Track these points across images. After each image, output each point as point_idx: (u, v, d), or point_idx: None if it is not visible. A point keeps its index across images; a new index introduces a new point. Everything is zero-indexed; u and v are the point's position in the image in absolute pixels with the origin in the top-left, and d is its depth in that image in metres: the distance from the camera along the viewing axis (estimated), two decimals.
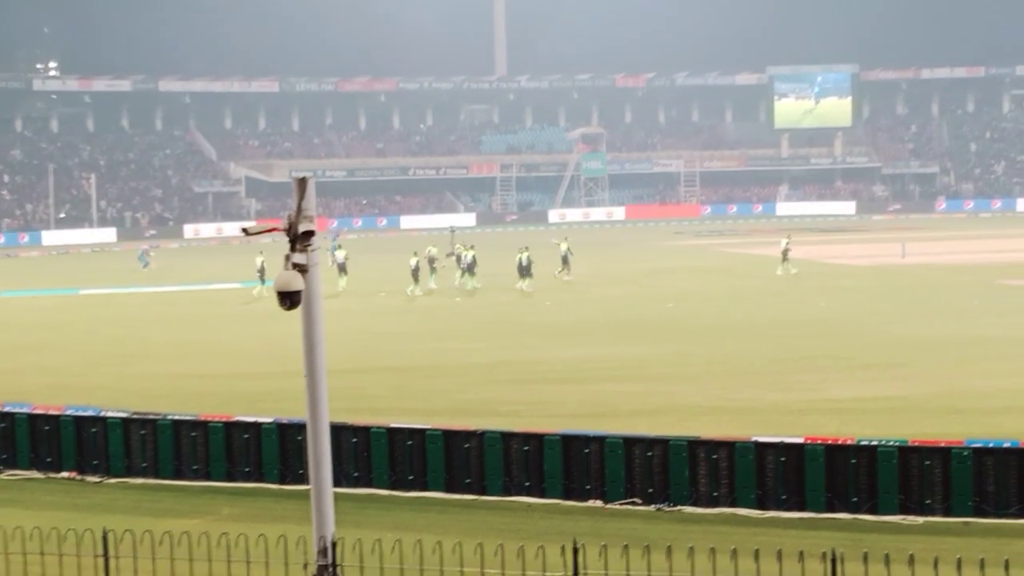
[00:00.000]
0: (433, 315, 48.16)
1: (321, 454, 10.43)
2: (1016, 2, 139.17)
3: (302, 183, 10.13)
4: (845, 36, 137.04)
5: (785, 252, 59.79)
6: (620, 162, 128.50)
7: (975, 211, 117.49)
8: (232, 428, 23.50)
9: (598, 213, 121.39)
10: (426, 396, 30.73)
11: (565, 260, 58.56)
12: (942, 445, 20.28)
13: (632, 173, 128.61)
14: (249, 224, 10.70)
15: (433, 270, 57.98)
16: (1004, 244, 75.37)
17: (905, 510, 19.99)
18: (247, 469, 23.25)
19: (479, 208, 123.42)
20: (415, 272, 54.32)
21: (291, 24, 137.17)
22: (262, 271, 53.77)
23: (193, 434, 23.54)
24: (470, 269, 56.09)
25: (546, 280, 56.89)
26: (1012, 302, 47.29)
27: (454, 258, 60.96)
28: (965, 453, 19.90)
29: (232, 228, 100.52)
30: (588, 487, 21.51)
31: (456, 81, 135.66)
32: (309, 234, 10.06)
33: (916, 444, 20.44)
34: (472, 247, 57.34)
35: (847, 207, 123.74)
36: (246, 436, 23.31)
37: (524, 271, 54.89)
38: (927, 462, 20.00)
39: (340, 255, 58.11)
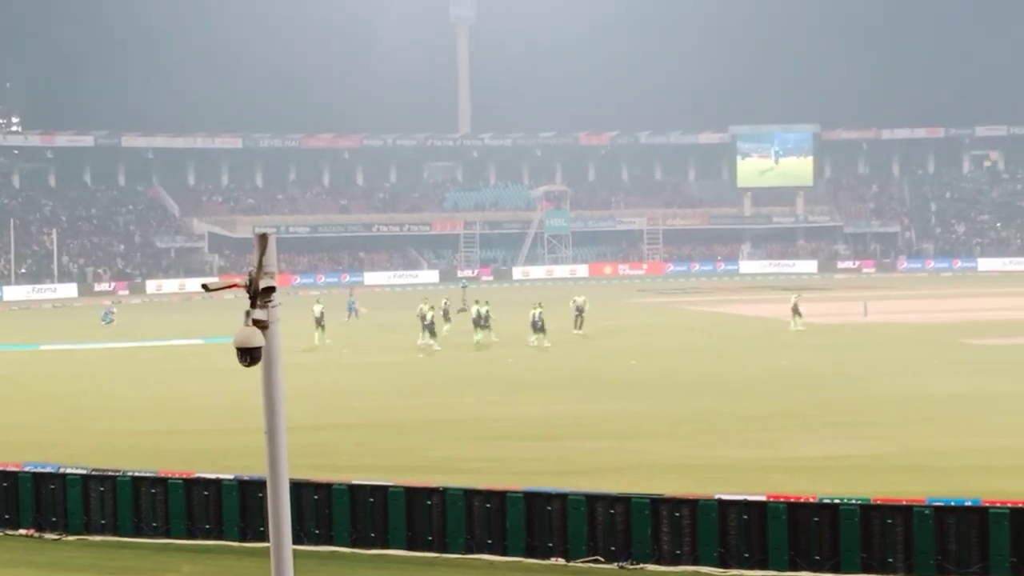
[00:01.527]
0: (397, 371, 48.02)
1: (281, 511, 10.33)
2: (975, 65, 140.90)
3: (263, 239, 10.08)
4: (807, 96, 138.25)
5: (795, 307, 60.89)
6: (583, 219, 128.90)
7: (936, 270, 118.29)
8: (192, 485, 23.35)
9: (561, 270, 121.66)
10: (389, 453, 30.59)
11: (580, 313, 60.73)
12: (904, 503, 20.30)
13: (595, 230, 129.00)
14: (211, 280, 10.64)
15: (448, 320, 60.72)
16: (966, 303, 75.83)
17: (867, 568, 20.00)
18: (207, 526, 23.10)
19: (442, 265, 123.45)
20: (430, 325, 55.19)
21: (255, 80, 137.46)
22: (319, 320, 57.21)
23: (153, 491, 23.38)
24: (484, 323, 56.48)
25: (560, 335, 57.90)
26: (973, 361, 47.50)
27: (467, 311, 62.68)
28: (927, 512, 19.93)
29: (195, 284, 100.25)
30: (550, 544, 21.44)
31: (420, 138, 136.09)
32: (270, 290, 10.00)
33: (878, 502, 20.46)
34: (487, 302, 57.92)
35: (809, 265, 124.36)
36: (206, 493, 23.16)
37: (537, 327, 55.39)
38: (889, 520, 20.03)
39: (317, 309, 59.01)
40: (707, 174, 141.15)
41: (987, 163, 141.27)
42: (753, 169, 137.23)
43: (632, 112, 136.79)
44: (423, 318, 56.09)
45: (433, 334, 55.11)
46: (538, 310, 55.68)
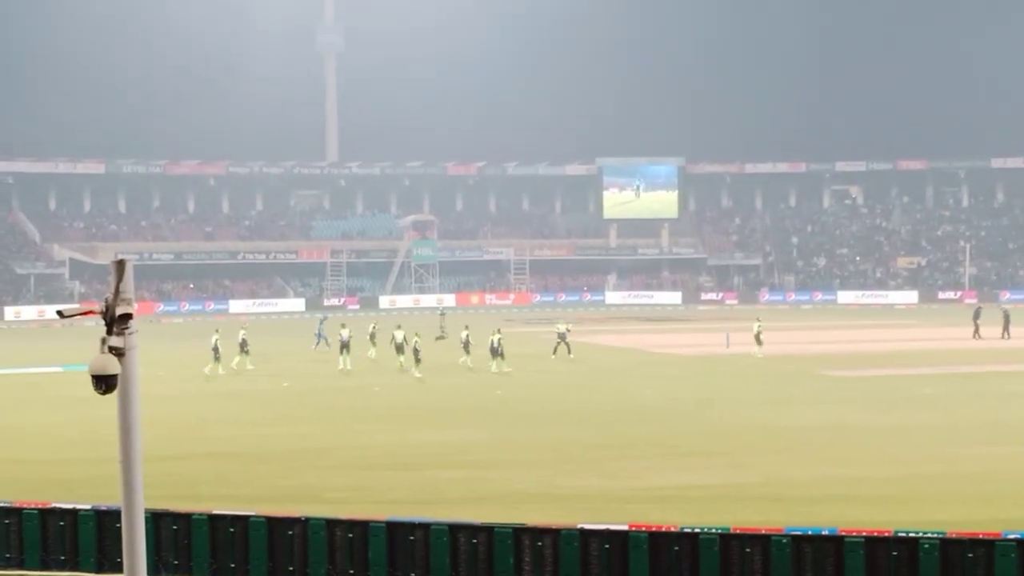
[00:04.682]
0: (260, 400, 47.60)
1: (135, 541, 10.19)
2: (835, 102, 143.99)
3: (120, 265, 9.97)
4: (672, 130, 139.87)
5: (758, 336, 62.40)
6: (451, 249, 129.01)
7: (797, 303, 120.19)
8: (47, 515, 22.85)
9: (428, 300, 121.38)
10: (250, 482, 30.30)
11: (563, 339, 62.33)
12: (762, 532, 20.54)
13: (462, 260, 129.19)
14: (69, 307, 10.50)
15: (442, 337, 65.61)
16: (824, 335, 77.18)
17: None
18: (63, 557, 22.63)
19: (309, 293, 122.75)
20: (411, 349, 55.71)
21: (118, 105, 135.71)
22: (216, 350, 56.32)
23: (7, 521, 22.86)
24: (498, 352, 56.37)
25: (545, 362, 60.21)
26: (831, 392, 48.32)
27: (445, 339, 66.36)
28: (784, 540, 20.19)
29: (55, 311, 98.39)
30: (413, 574, 21.35)
31: (287, 166, 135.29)
32: (127, 317, 9.89)
33: (737, 531, 20.68)
34: (499, 330, 57.92)
35: (673, 297, 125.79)
36: (62, 523, 22.69)
37: (495, 352, 55.91)
38: (747, 549, 20.25)
39: (241, 334, 59.84)
40: (574, 206, 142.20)
41: (847, 201, 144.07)
42: (619, 201, 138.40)
43: (500, 143, 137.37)
44: (398, 347, 57.72)
45: (418, 360, 55.04)
46: (497, 336, 56.18)
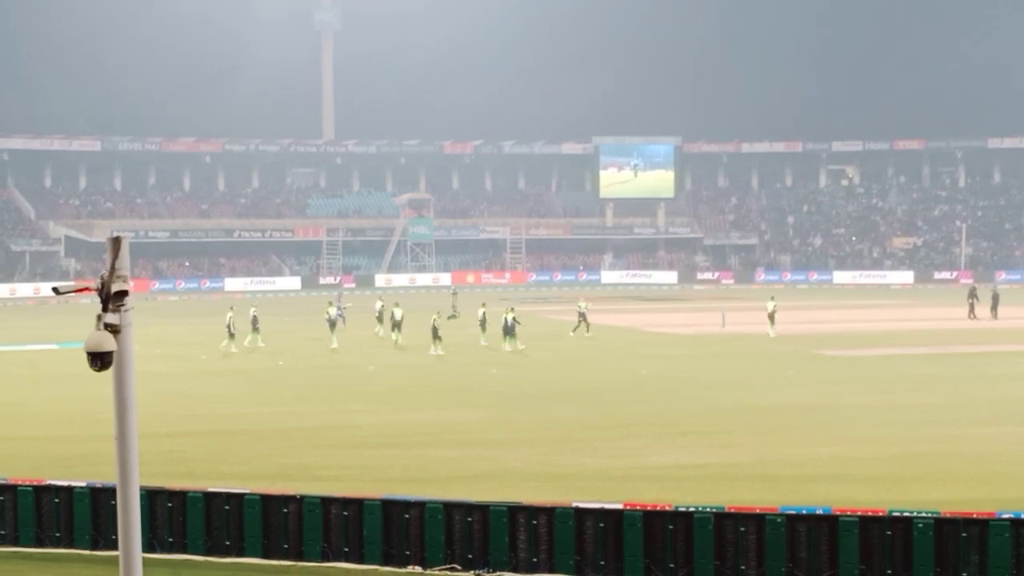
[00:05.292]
0: (256, 379, 47.60)
1: (130, 518, 10.18)
2: (832, 81, 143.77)
3: (116, 242, 9.93)
4: (669, 109, 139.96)
5: (772, 315, 62.51)
6: (447, 228, 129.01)
7: (793, 282, 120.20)
8: (42, 492, 22.90)
9: (424, 278, 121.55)
10: (246, 460, 30.32)
11: (583, 318, 63.25)
12: (756, 511, 20.60)
13: (459, 239, 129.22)
14: (67, 284, 10.47)
15: (454, 316, 66.62)
16: (820, 315, 77.22)
17: (720, 575, 20.24)
18: (58, 534, 22.67)
19: (304, 272, 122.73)
20: (431, 328, 55.60)
21: (114, 83, 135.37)
22: (230, 328, 56.36)
23: (1, 498, 22.90)
24: (511, 331, 56.56)
25: (566, 340, 60.92)
26: (826, 372, 48.36)
27: (457, 318, 67.31)
28: (779, 520, 20.24)
29: (51, 288, 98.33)
30: (408, 552, 21.41)
31: (283, 144, 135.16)
32: (122, 294, 9.86)
33: (732, 511, 20.73)
34: (512, 309, 58.13)
35: (669, 276, 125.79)
36: (57, 500, 22.73)
37: (509, 331, 56.22)
38: (742, 528, 20.31)
39: (252, 311, 59.93)
40: (570, 185, 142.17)
41: (844, 182, 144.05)
42: (615, 180, 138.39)
43: (496, 121, 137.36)
44: (396, 324, 58.78)
45: (438, 339, 55.19)
46: (511, 314, 56.41)
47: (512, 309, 57.67)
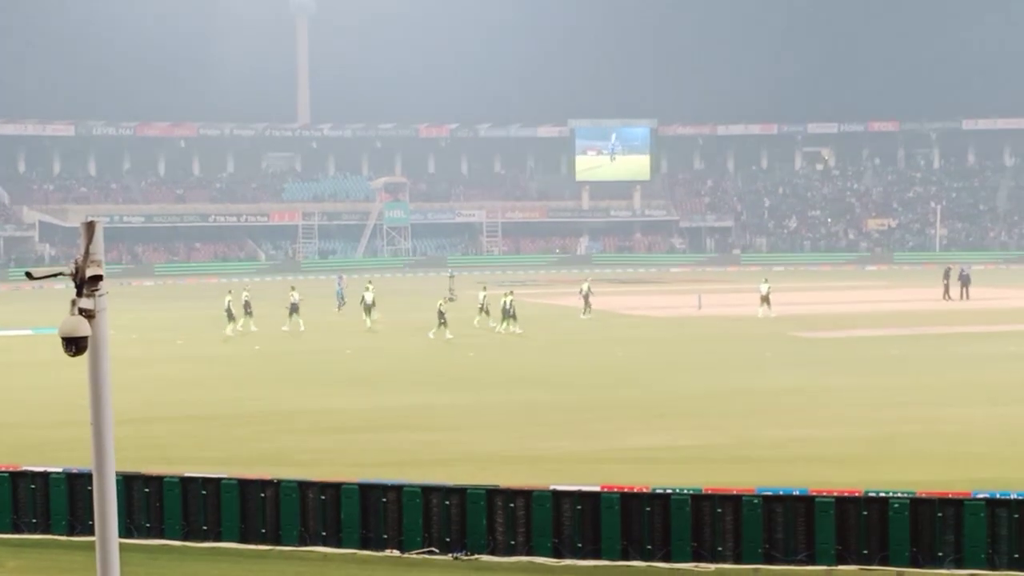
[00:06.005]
0: (233, 363, 47.53)
1: (106, 504, 10.16)
2: (807, 63, 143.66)
3: (90, 227, 9.89)
4: (645, 92, 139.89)
5: (767, 297, 62.88)
6: (423, 212, 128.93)
7: (768, 264, 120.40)
8: (19, 478, 22.82)
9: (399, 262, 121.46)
10: (223, 445, 30.28)
11: (586, 298, 64.11)
12: (734, 493, 20.66)
13: (435, 223, 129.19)
14: (41, 269, 10.42)
15: (452, 299, 66.06)
16: (796, 297, 77.34)
17: (698, 557, 20.32)
18: (34, 520, 22.61)
19: (280, 256, 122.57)
20: (436, 312, 55.23)
21: (88, 66, 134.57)
22: (229, 311, 56.55)
23: None
24: (510, 313, 56.42)
25: (542, 323, 60.54)
26: (803, 353, 48.50)
27: (455, 301, 67.43)
28: (755, 501, 20.31)
29: (24, 273, 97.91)
30: (385, 536, 21.40)
31: (258, 128, 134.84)
32: (97, 279, 9.83)
33: (708, 492, 20.78)
34: (511, 292, 58.16)
35: (646, 259, 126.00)
36: (33, 487, 22.66)
37: (507, 313, 56.23)
38: (719, 510, 20.39)
39: (244, 296, 59.74)
40: (546, 168, 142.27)
41: (819, 166, 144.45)
42: (591, 163, 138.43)
43: (472, 104, 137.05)
44: (367, 308, 58.87)
45: (444, 323, 54.73)
46: (509, 297, 56.45)
47: (511, 292, 57.73)
